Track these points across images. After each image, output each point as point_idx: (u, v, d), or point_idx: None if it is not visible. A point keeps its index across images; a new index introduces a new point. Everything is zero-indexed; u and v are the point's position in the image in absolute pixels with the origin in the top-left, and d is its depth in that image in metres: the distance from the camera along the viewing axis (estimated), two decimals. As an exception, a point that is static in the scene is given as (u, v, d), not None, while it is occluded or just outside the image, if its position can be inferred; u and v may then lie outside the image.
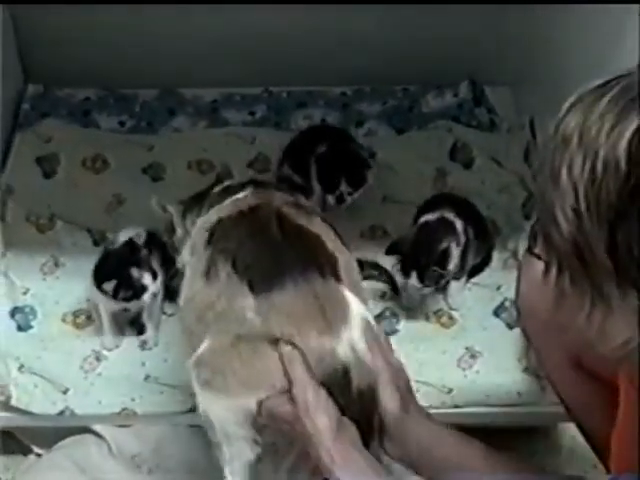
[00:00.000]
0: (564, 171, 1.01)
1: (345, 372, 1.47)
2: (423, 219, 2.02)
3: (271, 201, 1.61)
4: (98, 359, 1.98)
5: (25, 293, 2.09)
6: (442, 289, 2.06)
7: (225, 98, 2.51)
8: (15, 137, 2.36)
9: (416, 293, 1.99)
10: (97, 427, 1.97)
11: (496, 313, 2.06)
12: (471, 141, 2.39)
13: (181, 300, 1.60)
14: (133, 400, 1.93)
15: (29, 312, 2.06)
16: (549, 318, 1.30)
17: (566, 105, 1.06)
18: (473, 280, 2.10)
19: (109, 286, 1.88)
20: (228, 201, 1.64)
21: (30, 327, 2.04)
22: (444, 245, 1.93)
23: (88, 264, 2.00)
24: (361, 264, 1.93)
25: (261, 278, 1.48)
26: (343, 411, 1.42)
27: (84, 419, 1.96)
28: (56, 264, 2.14)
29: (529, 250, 1.16)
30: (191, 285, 1.57)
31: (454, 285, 2.05)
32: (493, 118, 2.48)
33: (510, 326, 2.03)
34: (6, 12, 2.37)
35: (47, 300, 2.08)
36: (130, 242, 1.93)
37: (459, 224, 1.98)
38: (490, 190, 2.26)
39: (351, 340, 1.47)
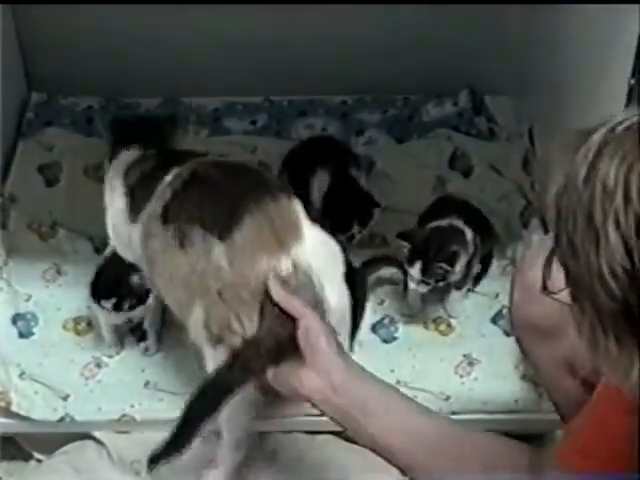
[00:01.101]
0: (611, 227, 0.91)
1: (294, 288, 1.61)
2: (435, 224, 2.03)
3: (203, 160, 1.80)
4: (98, 366, 2.00)
5: (27, 300, 2.10)
6: (441, 297, 2.07)
7: (227, 107, 2.52)
8: (18, 145, 2.38)
9: (415, 289, 1.98)
10: (97, 433, 1.97)
11: (494, 320, 2.07)
12: (470, 150, 2.40)
13: (160, 282, 1.75)
14: (133, 406, 1.94)
15: (31, 319, 2.07)
16: (543, 327, 1.31)
17: (593, 147, 0.95)
18: (471, 288, 2.10)
19: (108, 304, 1.89)
20: (168, 178, 1.77)
21: (32, 334, 2.06)
22: (455, 248, 1.95)
23: (89, 271, 2.01)
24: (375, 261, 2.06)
25: (224, 224, 1.65)
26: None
27: (84, 425, 1.96)
28: (58, 271, 2.15)
29: (544, 288, 1.08)
30: (170, 263, 1.70)
31: (455, 294, 2.06)
32: (492, 127, 2.48)
33: (508, 333, 2.03)
34: (10, 20, 2.38)
35: (49, 307, 2.09)
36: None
37: (469, 233, 1.99)
38: (489, 198, 2.26)
39: (298, 256, 1.64)
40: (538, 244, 1.46)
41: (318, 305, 1.64)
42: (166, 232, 1.72)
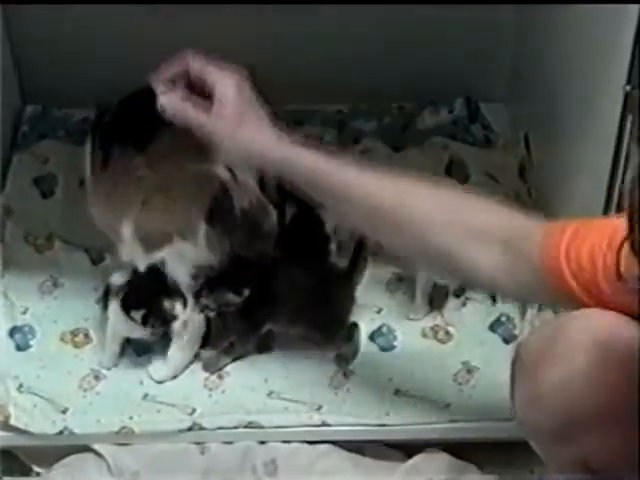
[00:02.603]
0: None
1: (226, 193, 1.78)
2: None
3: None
4: (97, 378, 1.99)
5: (24, 313, 2.09)
6: (439, 305, 2.08)
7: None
8: (13, 158, 2.38)
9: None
10: (96, 446, 1.96)
11: (492, 328, 2.06)
12: (467, 157, 2.39)
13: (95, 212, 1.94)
14: (132, 418, 1.94)
15: (28, 331, 2.06)
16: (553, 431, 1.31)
17: None
18: (469, 295, 2.11)
19: (138, 315, 1.88)
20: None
21: (29, 346, 2.04)
22: None
23: (86, 283, 2.06)
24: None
25: (142, 137, 1.82)
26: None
27: (83, 438, 1.95)
28: (54, 284, 2.15)
29: (618, 277, 1.14)
30: (98, 188, 1.90)
31: (452, 302, 2.07)
32: (488, 134, 2.48)
33: (506, 341, 2.03)
34: (3, 32, 2.38)
35: (46, 319, 2.08)
36: (154, 268, 1.90)
37: None
38: None
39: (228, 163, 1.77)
40: (534, 342, 1.42)
41: (259, 200, 1.83)
42: (94, 159, 1.89)
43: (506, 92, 2.49)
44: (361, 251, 2.02)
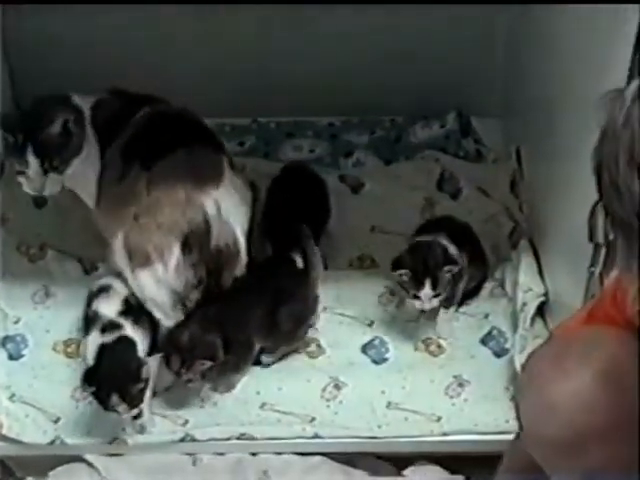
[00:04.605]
0: None
1: (207, 226, 1.90)
2: (417, 240, 2.06)
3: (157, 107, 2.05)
4: (89, 388, 1.99)
5: (16, 322, 2.11)
6: (431, 317, 2.08)
7: (215, 128, 2.51)
8: (6, 167, 2.36)
9: (427, 303, 1.99)
10: (88, 456, 1.97)
11: (484, 342, 2.08)
12: (458, 171, 2.40)
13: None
14: (124, 429, 1.94)
15: (20, 341, 2.08)
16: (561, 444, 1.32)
17: (630, 93, 1.03)
18: (461, 309, 2.12)
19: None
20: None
21: (21, 356, 2.07)
22: (441, 250, 1.99)
23: (79, 293, 2.05)
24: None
25: (151, 157, 1.94)
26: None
27: (75, 448, 1.96)
28: (47, 293, 2.16)
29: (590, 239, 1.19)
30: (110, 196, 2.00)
31: (443, 314, 2.07)
32: (480, 148, 2.49)
33: (497, 354, 2.05)
34: None
35: (38, 329, 2.10)
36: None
37: (452, 248, 2.02)
38: (477, 220, 2.25)
39: (218, 200, 1.91)
40: (543, 357, 1.43)
41: (235, 244, 1.94)
42: (116, 167, 1.98)
43: (498, 107, 2.50)
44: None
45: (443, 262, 1.97)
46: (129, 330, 1.94)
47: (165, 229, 1.91)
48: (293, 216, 2.11)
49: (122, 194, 1.96)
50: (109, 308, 1.96)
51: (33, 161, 1.95)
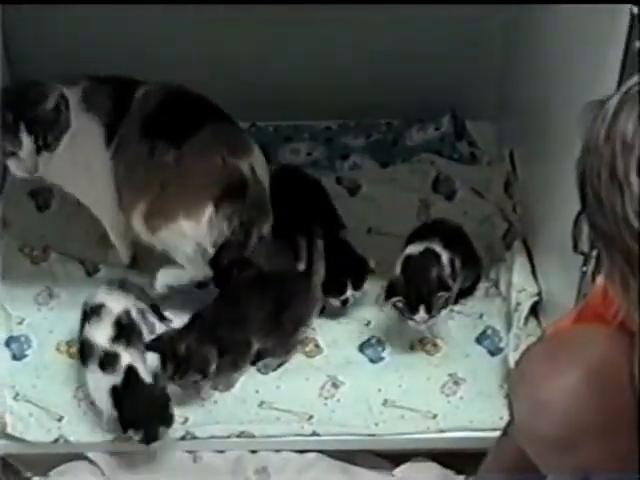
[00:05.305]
0: (633, 176, 0.98)
1: (244, 183, 2.01)
2: (407, 251, 2.06)
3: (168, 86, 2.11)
4: (92, 387, 2.00)
5: (20, 323, 2.13)
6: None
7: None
8: (8, 171, 2.36)
9: (422, 325, 2.01)
10: (91, 454, 1.98)
11: (478, 341, 2.09)
12: (453, 174, 2.41)
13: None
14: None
15: (24, 341, 2.10)
16: (554, 440, 1.32)
17: (611, 107, 1.02)
18: (456, 309, 2.13)
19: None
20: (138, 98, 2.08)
21: (25, 356, 2.08)
22: (435, 273, 2.00)
23: (82, 294, 2.06)
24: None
25: (180, 135, 2.02)
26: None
27: (78, 446, 1.98)
28: (50, 295, 2.18)
29: (575, 248, 1.20)
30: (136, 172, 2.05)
31: (440, 315, 2.05)
32: (474, 151, 2.49)
33: (492, 353, 2.07)
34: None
35: (41, 330, 2.12)
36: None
37: (445, 256, 2.03)
38: (471, 221, 2.28)
39: (252, 164, 2.04)
40: (536, 354, 1.43)
41: (265, 204, 2.05)
42: (139, 145, 2.02)
43: (491, 110, 2.51)
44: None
45: (437, 288, 1.98)
46: (126, 357, 1.94)
47: (196, 187, 2.00)
48: (304, 221, 2.13)
49: (146, 170, 2.02)
50: (102, 335, 1.96)
51: (26, 139, 1.94)
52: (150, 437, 1.88)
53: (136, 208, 2.03)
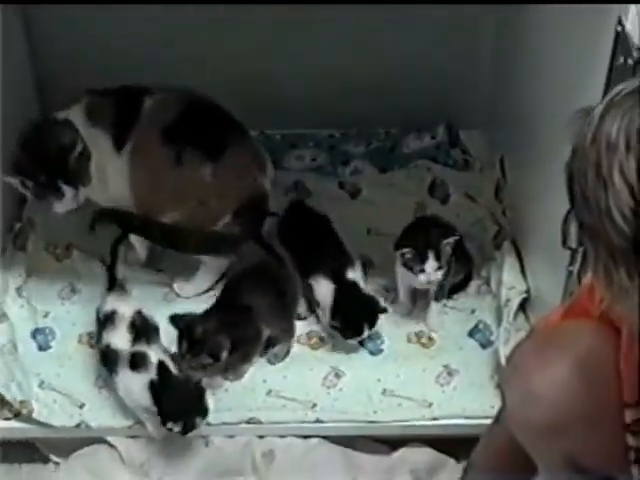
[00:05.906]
0: (616, 174, 1.02)
1: (263, 198, 2.14)
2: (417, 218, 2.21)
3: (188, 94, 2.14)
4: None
5: (45, 316, 2.19)
6: (422, 310, 2.16)
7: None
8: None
9: (433, 275, 2.05)
10: (110, 438, 2.03)
11: (470, 334, 2.14)
12: (447, 179, 2.46)
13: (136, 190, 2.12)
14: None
15: (49, 333, 2.16)
16: (544, 426, 1.36)
17: (597, 113, 1.06)
18: (450, 304, 2.17)
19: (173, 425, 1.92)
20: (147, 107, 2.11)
21: (49, 347, 2.14)
22: (439, 227, 2.10)
23: (102, 289, 2.13)
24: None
25: (214, 148, 2.09)
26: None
27: (98, 431, 2.02)
28: (73, 290, 2.24)
29: (564, 244, 1.25)
30: (159, 177, 2.09)
31: (434, 307, 2.14)
32: (467, 158, 2.53)
33: (483, 346, 2.11)
34: (23, 41, 2.41)
35: (65, 322, 2.17)
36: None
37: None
38: (464, 223, 2.31)
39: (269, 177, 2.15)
40: (527, 348, 1.46)
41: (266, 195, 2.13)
42: (163, 150, 2.06)
43: (483, 120, 2.54)
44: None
45: (443, 235, 2.04)
46: (153, 354, 1.98)
47: (224, 204, 2.10)
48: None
49: (177, 177, 2.08)
50: (121, 340, 2.00)
51: (68, 189, 2.06)
52: (188, 428, 1.90)
53: (167, 213, 2.10)
